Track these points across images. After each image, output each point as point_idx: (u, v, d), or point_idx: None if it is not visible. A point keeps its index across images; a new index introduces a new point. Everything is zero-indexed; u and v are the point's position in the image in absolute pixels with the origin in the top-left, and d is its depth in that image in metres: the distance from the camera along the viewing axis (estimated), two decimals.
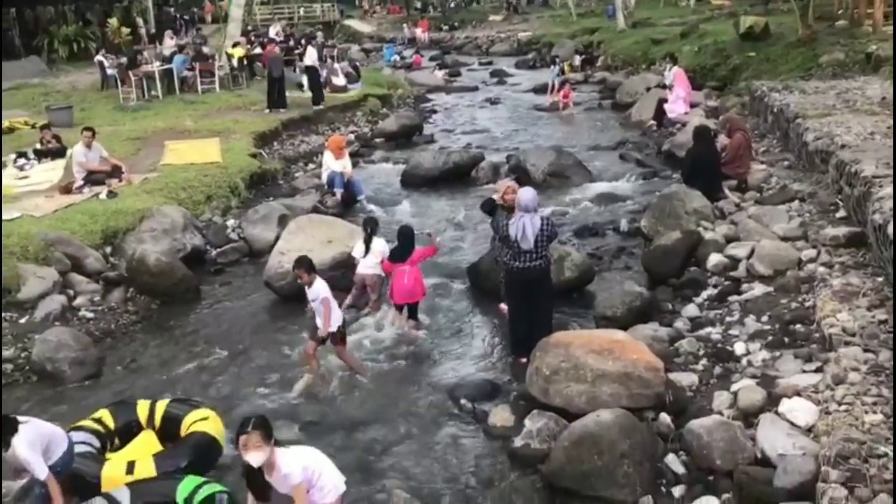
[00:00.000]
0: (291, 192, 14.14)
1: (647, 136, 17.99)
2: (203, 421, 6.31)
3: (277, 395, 7.52)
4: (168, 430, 6.41)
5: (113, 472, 5.78)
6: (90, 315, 9.22)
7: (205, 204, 12.62)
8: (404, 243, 8.76)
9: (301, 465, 4.64)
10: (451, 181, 14.95)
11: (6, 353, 8.13)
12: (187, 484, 5.36)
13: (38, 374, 8.02)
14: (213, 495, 5.28)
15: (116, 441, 6.41)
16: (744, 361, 6.72)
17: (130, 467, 5.83)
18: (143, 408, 6.57)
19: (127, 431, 6.46)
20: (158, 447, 6.27)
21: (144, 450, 6.22)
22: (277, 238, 10.62)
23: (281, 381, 7.77)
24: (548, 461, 5.88)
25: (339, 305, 9.20)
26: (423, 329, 8.79)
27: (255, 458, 4.42)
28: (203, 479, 5.45)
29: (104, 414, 6.49)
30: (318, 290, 7.50)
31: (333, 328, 7.53)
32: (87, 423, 6.40)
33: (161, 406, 6.57)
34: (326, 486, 4.82)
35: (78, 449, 5.90)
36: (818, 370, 5.98)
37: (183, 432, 6.33)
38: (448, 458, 6.43)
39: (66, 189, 12.29)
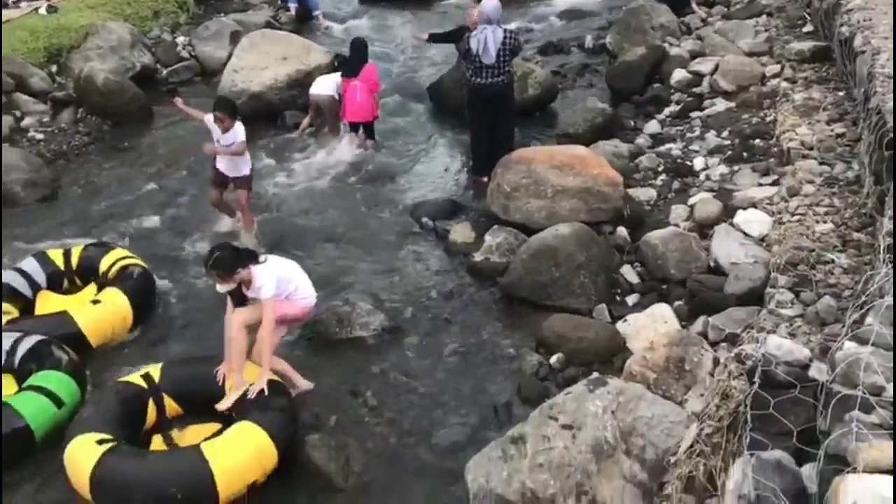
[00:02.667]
0: (243, 7, 13.47)
1: None
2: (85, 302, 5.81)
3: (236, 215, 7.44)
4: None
5: None
6: (39, 136, 8.94)
7: (152, 20, 11.98)
8: (356, 56, 8.43)
9: (274, 276, 4.92)
10: None
11: None
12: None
13: None
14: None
15: (77, 281, 6.23)
16: (702, 176, 6.78)
17: None
18: (109, 258, 6.18)
19: (85, 276, 6.22)
20: (72, 306, 5.79)
21: (55, 304, 5.92)
22: (230, 56, 10.21)
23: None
24: (506, 273, 6.02)
25: (297, 126, 9.08)
26: (382, 149, 8.68)
27: (220, 288, 4.89)
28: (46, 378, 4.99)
29: (76, 251, 6.29)
30: (237, 133, 6.66)
31: (246, 171, 6.94)
32: (53, 253, 6.27)
33: (120, 264, 6.09)
34: (302, 292, 5.19)
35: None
36: (774, 183, 6.06)
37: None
38: (410, 274, 6.55)
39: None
